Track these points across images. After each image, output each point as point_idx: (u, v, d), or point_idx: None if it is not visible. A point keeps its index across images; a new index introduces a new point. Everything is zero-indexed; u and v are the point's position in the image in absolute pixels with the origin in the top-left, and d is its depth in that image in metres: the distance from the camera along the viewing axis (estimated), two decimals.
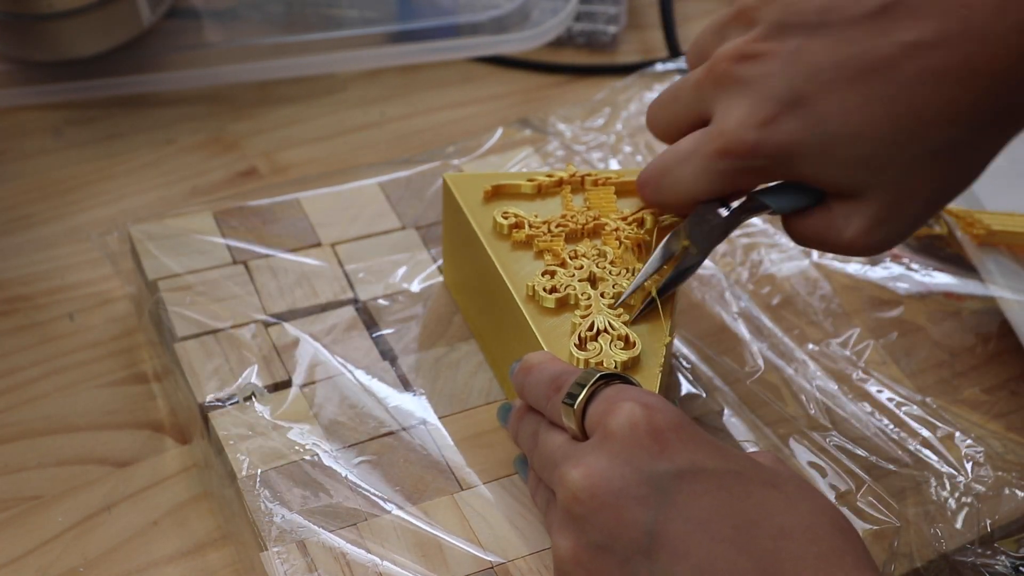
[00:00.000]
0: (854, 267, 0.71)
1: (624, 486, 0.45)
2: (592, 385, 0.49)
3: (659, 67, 0.85)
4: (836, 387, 0.63)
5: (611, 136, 0.79)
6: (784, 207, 0.53)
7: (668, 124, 0.55)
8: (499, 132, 0.77)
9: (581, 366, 0.52)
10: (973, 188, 0.71)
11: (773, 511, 0.44)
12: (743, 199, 0.54)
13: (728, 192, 0.53)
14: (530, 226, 0.58)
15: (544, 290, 0.55)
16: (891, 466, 0.60)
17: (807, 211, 0.53)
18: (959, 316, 0.68)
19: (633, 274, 0.56)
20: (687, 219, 0.55)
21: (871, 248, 0.52)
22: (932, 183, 0.50)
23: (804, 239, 0.54)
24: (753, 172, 0.51)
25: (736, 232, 0.72)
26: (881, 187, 0.50)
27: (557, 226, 0.58)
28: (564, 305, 0.55)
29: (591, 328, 0.54)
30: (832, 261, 0.71)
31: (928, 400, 0.63)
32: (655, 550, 0.44)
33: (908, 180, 0.49)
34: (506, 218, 0.58)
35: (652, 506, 0.44)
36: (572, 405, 0.48)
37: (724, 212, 0.54)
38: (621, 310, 0.55)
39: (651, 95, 0.83)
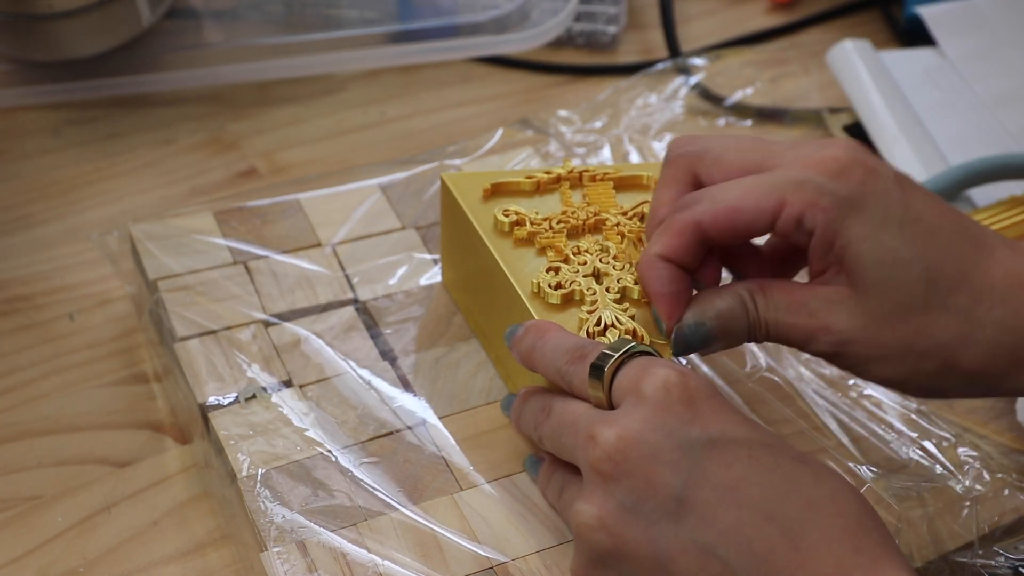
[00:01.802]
0: None
1: (656, 451, 0.45)
2: (623, 353, 0.49)
3: (659, 68, 0.85)
4: (833, 393, 0.63)
5: (612, 137, 0.79)
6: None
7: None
8: (499, 132, 0.77)
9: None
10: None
11: (801, 483, 0.45)
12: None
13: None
14: (531, 223, 0.58)
15: (550, 287, 0.55)
16: (890, 468, 0.60)
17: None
18: None
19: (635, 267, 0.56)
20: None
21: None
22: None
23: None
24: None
25: None
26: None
27: (558, 222, 0.58)
28: (570, 301, 0.55)
29: (598, 323, 0.54)
30: None
31: (924, 408, 0.63)
32: (682, 515, 0.45)
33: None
34: (507, 216, 0.59)
35: (682, 471, 0.45)
36: (602, 370, 0.48)
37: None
38: (627, 304, 0.55)
39: (652, 96, 0.83)
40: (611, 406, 0.49)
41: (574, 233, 0.58)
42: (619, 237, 0.58)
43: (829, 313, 0.49)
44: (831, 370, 0.64)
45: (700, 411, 0.46)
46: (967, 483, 0.59)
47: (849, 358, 0.50)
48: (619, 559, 0.46)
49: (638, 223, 0.59)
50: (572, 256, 0.57)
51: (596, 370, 0.49)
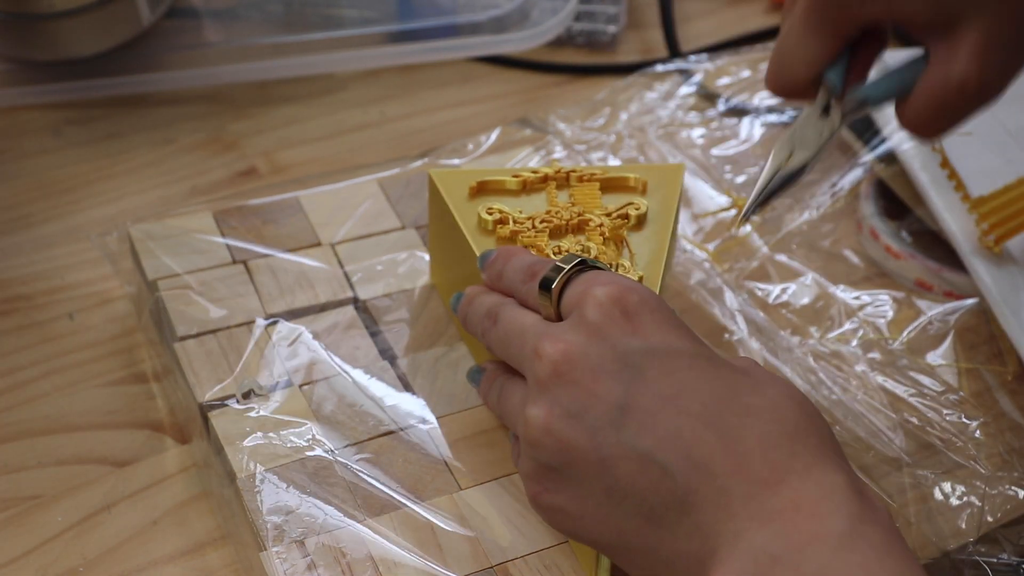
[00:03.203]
0: (851, 269, 0.71)
1: (600, 362, 0.47)
2: (571, 269, 0.51)
3: (659, 67, 0.85)
4: (835, 386, 0.63)
5: (611, 136, 0.79)
6: (880, 95, 0.53)
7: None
8: (497, 131, 0.77)
9: None
10: (966, 180, 0.70)
11: (740, 391, 0.46)
12: (843, 104, 0.53)
13: (838, 47, 0.52)
14: (515, 222, 0.58)
15: None
16: (891, 466, 0.60)
17: (923, 76, 0.50)
18: (958, 315, 0.68)
19: (616, 269, 0.56)
20: (791, 128, 0.55)
21: (991, 79, 0.48)
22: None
23: (927, 112, 0.50)
24: (848, 13, 0.50)
25: (740, 231, 0.72)
26: (977, 13, 0.47)
27: (542, 222, 0.58)
28: None
29: None
30: (831, 259, 0.71)
31: (927, 400, 0.63)
32: (624, 422, 0.46)
33: (1003, 4, 0.47)
34: (491, 214, 0.59)
35: (623, 381, 0.46)
36: (550, 285, 0.50)
37: (826, 116, 0.54)
38: None
39: (652, 95, 0.83)
40: (560, 319, 0.50)
41: (557, 233, 0.58)
42: (601, 238, 0.58)
43: None
44: (832, 369, 0.64)
45: (642, 324, 0.48)
46: (969, 480, 0.59)
47: None
48: (566, 464, 0.47)
49: (621, 223, 0.59)
50: (553, 256, 0.57)
51: (545, 284, 0.51)
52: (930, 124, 0.51)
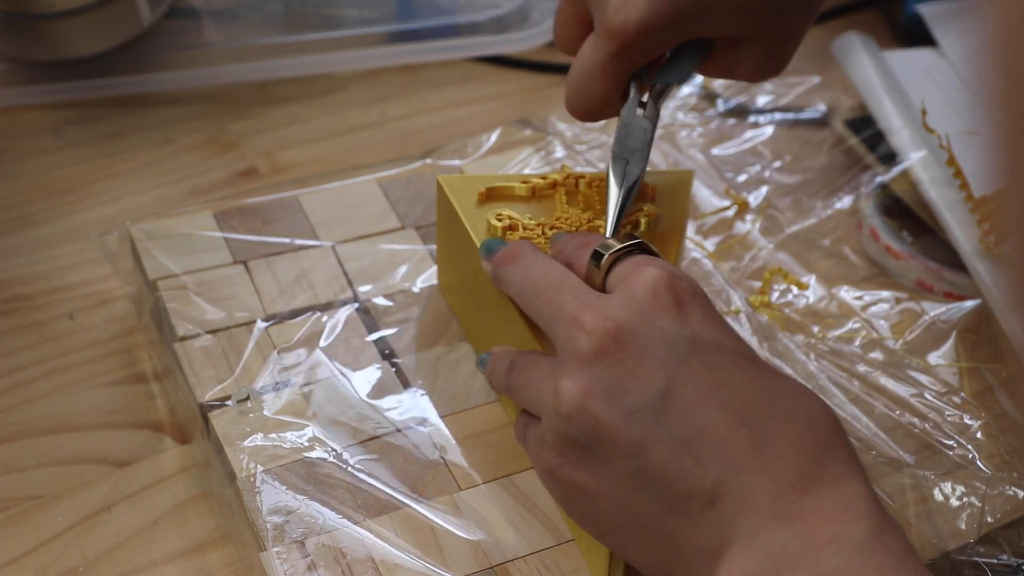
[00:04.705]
0: (852, 268, 0.71)
1: (647, 344, 0.46)
2: (628, 246, 0.51)
3: None
4: (835, 388, 0.63)
5: (612, 136, 0.79)
6: (682, 78, 0.58)
7: (562, 36, 0.59)
8: (498, 131, 0.77)
9: None
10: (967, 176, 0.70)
11: (779, 395, 0.46)
12: (652, 91, 0.58)
13: (635, 72, 0.57)
14: (524, 228, 0.58)
15: None
16: (891, 466, 0.60)
17: (705, 62, 0.58)
18: (960, 315, 0.68)
19: None
20: (615, 138, 0.57)
21: (765, 77, 0.59)
22: (803, 22, 0.57)
23: (711, 75, 0.60)
24: (653, 48, 0.55)
25: (739, 229, 0.72)
26: (763, 31, 0.55)
27: (551, 228, 0.58)
28: None
29: None
30: (833, 256, 0.71)
31: (927, 400, 0.63)
32: (663, 410, 0.45)
33: (783, 22, 0.56)
34: (500, 220, 0.58)
35: (668, 367, 0.46)
36: (602, 256, 0.51)
37: (642, 112, 0.57)
38: None
39: None
40: (603, 291, 0.51)
41: None
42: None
43: None
44: (833, 369, 0.64)
45: (690, 313, 0.48)
46: (969, 481, 0.59)
47: None
48: (595, 442, 0.46)
49: (631, 230, 0.58)
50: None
51: (600, 251, 0.51)
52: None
